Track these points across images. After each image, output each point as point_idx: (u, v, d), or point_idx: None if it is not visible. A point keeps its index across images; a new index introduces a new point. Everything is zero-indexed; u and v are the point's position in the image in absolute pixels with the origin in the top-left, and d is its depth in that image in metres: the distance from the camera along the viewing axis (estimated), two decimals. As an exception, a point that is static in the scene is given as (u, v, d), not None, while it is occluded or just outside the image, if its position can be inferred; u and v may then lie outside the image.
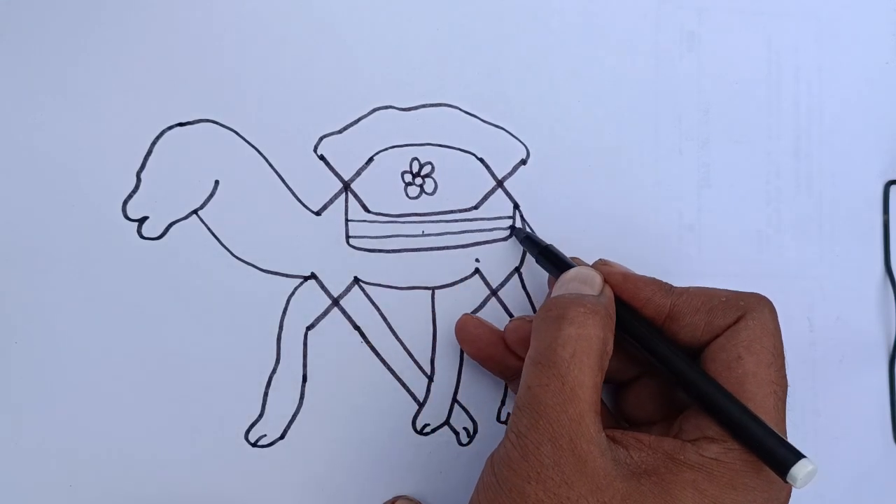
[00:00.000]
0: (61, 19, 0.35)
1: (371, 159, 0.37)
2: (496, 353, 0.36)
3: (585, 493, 0.27)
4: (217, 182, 0.36)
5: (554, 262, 0.35)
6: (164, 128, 0.36)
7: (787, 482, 0.27)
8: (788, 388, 0.40)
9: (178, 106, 0.36)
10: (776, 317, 0.31)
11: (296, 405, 0.36)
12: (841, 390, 0.41)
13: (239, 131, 0.36)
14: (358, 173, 0.37)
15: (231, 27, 0.36)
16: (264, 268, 0.36)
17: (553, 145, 0.39)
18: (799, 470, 0.27)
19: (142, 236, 0.35)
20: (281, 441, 0.36)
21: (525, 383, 0.29)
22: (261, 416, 0.36)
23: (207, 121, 0.36)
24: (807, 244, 0.41)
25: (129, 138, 0.35)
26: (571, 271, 0.33)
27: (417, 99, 0.38)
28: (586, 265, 0.34)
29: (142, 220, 0.35)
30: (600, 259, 0.35)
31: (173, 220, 0.35)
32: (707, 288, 0.32)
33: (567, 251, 0.38)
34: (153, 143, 0.36)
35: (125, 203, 0.35)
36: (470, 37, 0.38)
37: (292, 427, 0.36)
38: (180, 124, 0.36)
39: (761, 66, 0.41)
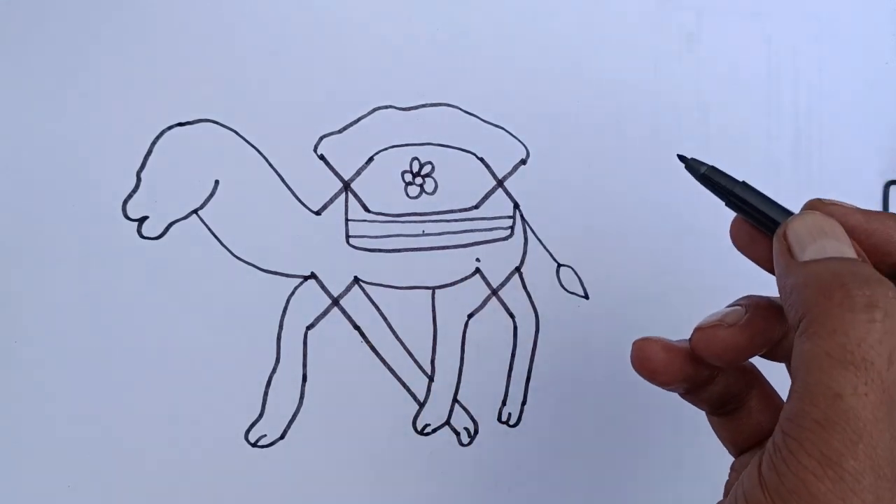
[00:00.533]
0: (61, 19, 0.35)
1: (371, 159, 0.37)
2: (680, 371, 0.29)
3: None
4: (217, 182, 0.36)
5: (757, 207, 0.28)
6: (164, 128, 0.36)
7: None
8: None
9: (178, 106, 0.36)
10: None
11: (296, 405, 0.36)
12: (841, 390, 0.41)
13: (239, 131, 0.36)
14: (358, 173, 0.37)
15: (231, 27, 0.36)
16: (264, 268, 0.36)
17: (553, 145, 0.39)
18: None
19: (142, 236, 0.35)
20: (281, 441, 0.36)
21: (831, 390, 0.22)
22: (261, 416, 0.36)
23: (207, 121, 0.36)
24: (807, 244, 0.41)
25: (129, 138, 0.35)
26: (800, 223, 0.25)
27: (417, 99, 0.38)
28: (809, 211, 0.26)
29: (142, 220, 0.35)
30: (817, 200, 0.27)
31: (173, 219, 0.35)
32: None
33: (567, 251, 0.38)
34: (153, 143, 0.36)
35: (125, 203, 0.35)
36: (470, 37, 0.38)
37: (292, 427, 0.36)
38: (180, 124, 0.36)
39: (761, 66, 0.41)
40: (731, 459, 0.39)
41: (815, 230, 0.25)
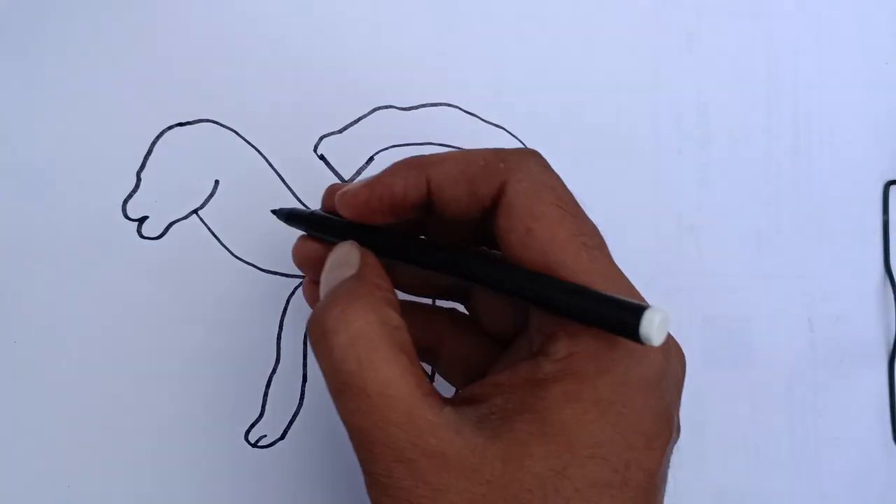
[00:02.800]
0: (61, 19, 0.35)
1: (371, 159, 0.37)
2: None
3: (464, 486, 0.23)
4: (217, 182, 0.36)
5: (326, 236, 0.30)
6: (164, 128, 0.36)
7: (643, 343, 0.22)
8: (788, 388, 0.40)
9: (178, 106, 0.36)
10: (545, 164, 0.26)
11: (296, 405, 0.36)
12: (841, 390, 0.41)
13: (239, 131, 0.36)
14: (358, 173, 0.37)
15: (231, 27, 0.36)
16: (264, 268, 0.36)
17: (553, 145, 0.39)
18: (647, 326, 0.22)
19: (142, 236, 0.35)
20: (281, 441, 0.36)
21: (342, 421, 0.25)
22: (261, 416, 0.36)
23: (207, 121, 0.36)
24: (806, 244, 0.41)
25: (129, 138, 0.35)
26: (327, 261, 0.28)
27: (417, 99, 0.38)
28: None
29: (142, 220, 0.35)
30: (337, 191, 0.28)
31: (173, 220, 0.35)
32: (468, 151, 0.27)
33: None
34: (153, 143, 0.36)
35: (125, 203, 0.35)
36: (470, 37, 0.38)
37: (292, 427, 0.36)
38: (180, 124, 0.36)
39: (761, 66, 0.41)
40: (733, 459, 0.39)
41: (329, 269, 0.27)
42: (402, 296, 0.29)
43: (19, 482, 0.34)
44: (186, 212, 0.36)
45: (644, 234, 0.40)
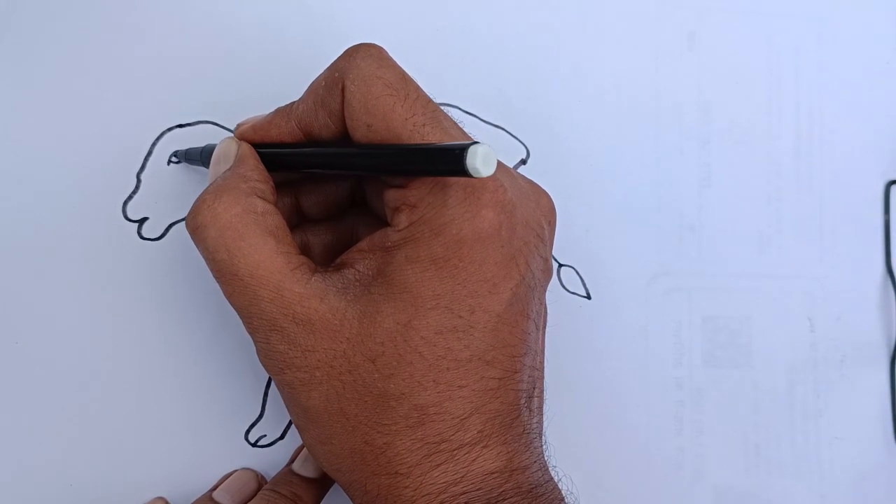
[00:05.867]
0: (61, 19, 0.35)
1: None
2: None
3: (329, 345, 0.27)
4: (217, 182, 0.36)
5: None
6: (164, 129, 0.36)
7: (473, 176, 0.24)
8: (788, 388, 0.40)
9: (178, 106, 0.36)
10: (375, 55, 0.28)
11: (296, 405, 0.36)
12: (842, 390, 0.41)
13: (239, 132, 0.36)
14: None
15: (231, 28, 0.36)
16: (264, 268, 0.36)
17: (553, 145, 0.39)
18: (472, 158, 0.23)
19: (142, 237, 0.35)
20: (281, 441, 0.36)
21: (227, 300, 0.28)
22: (261, 416, 0.36)
23: (207, 122, 0.36)
24: (807, 244, 0.41)
25: (129, 139, 0.35)
26: (213, 155, 0.31)
27: (417, 99, 0.38)
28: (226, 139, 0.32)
29: (142, 221, 0.35)
30: (238, 123, 0.32)
31: (173, 220, 0.36)
32: (313, 82, 0.29)
33: (567, 251, 0.38)
34: (153, 145, 0.36)
35: (125, 204, 0.35)
36: (470, 37, 0.38)
37: (292, 427, 0.36)
38: (180, 126, 0.36)
39: (761, 66, 0.41)
40: (733, 459, 0.39)
41: (213, 163, 0.31)
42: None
43: (21, 482, 0.34)
44: (186, 212, 0.36)
45: (644, 234, 0.40)
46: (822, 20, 0.41)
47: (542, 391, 0.31)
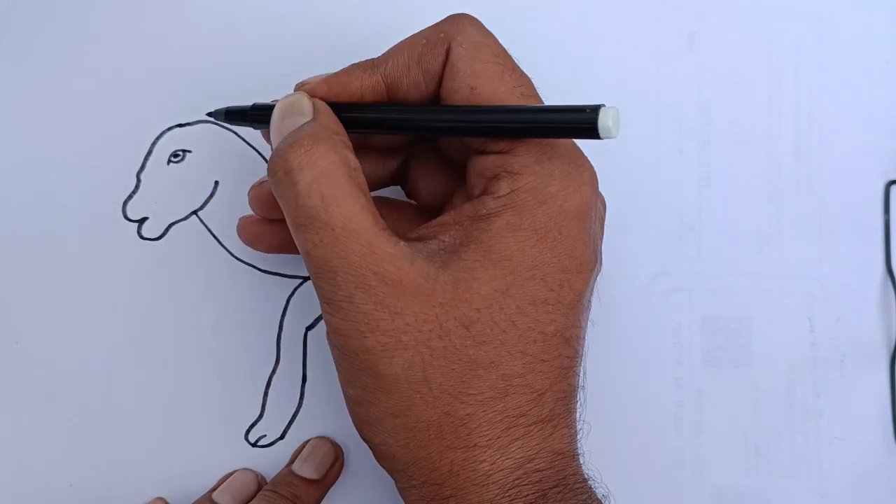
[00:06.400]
0: (61, 19, 0.35)
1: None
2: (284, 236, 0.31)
3: (419, 309, 0.26)
4: (217, 182, 0.36)
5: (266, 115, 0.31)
6: (164, 128, 0.36)
7: (602, 137, 0.25)
8: (788, 388, 0.40)
9: (178, 106, 0.36)
10: (480, 25, 0.29)
11: (296, 405, 0.36)
12: (842, 391, 0.41)
13: (239, 132, 0.36)
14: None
15: (231, 27, 0.37)
16: (264, 268, 0.36)
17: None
18: (605, 117, 0.24)
19: (142, 237, 0.35)
20: (281, 441, 0.36)
21: (303, 253, 0.27)
22: (261, 416, 0.36)
23: (207, 121, 0.36)
24: (807, 244, 0.41)
25: (129, 138, 0.35)
26: (275, 110, 0.29)
27: (417, 99, 0.38)
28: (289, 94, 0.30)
29: (142, 221, 0.35)
30: (298, 83, 0.31)
31: (173, 220, 0.36)
32: (409, 37, 0.29)
33: (567, 251, 0.38)
34: (153, 144, 0.36)
35: (125, 203, 0.35)
36: (470, 37, 0.38)
37: (292, 427, 0.36)
38: (180, 125, 0.36)
39: (761, 66, 0.41)
40: (733, 459, 0.39)
41: (280, 116, 0.29)
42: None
43: (21, 482, 0.34)
44: (186, 212, 0.36)
45: (644, 234, 0.40)
46: (822, 20, 0.41)
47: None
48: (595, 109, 0.24)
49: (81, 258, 0.35)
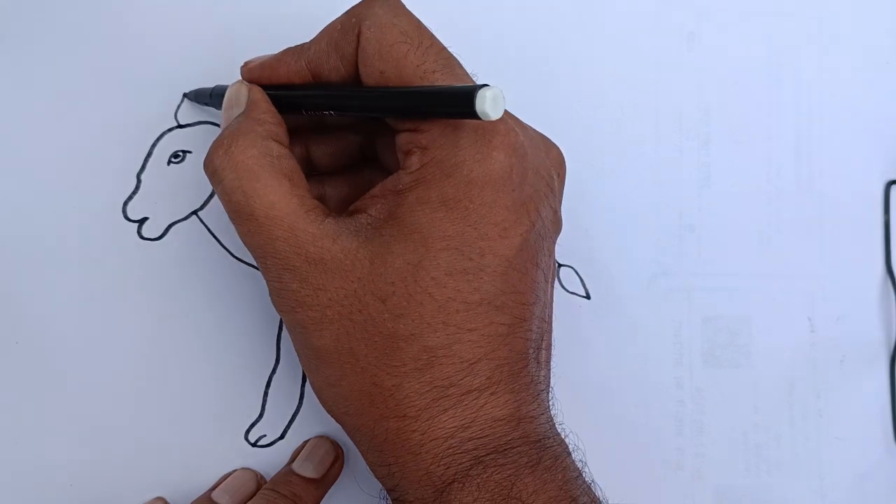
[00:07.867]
0: (61, 19, 0.35)
1: (370, 159, 0.37)
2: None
3: (339, 284, 0.27)
4: (217, 182, 0.36)
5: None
6: (164, 129, 0.36)
7: (481, 119, 0.25)
8: (788, 388, 0.40)
9: (178, 106, 0.36)
10: (391, 4, 0.29)
11: (296, 405, 0.36)
12: (842, 390, 0.41)
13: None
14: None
15: (231, 28, 0.37)
16: (264, 268, 0.36)
17: (553, 145, 0.39)
18: (481, 102, 0.24)
19: (142, 237, 0.35)
20: (281, 441, 0.36)
21: (242, 242, 0.29)
22: (261, 416, 0.36)
23: (207, 122, 0.36)
24: (807, 244, 0.41)
25: (129, 139, 0.35)
26: (224, 100, 0.31)
27: (417, 99, 0.38)
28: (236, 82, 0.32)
29: (142, 222, 0.35)
30: (244, 62, 0.32)
31: (173, 220, 0.36)
32: (328, 24, 0.30)
33: (567, 251, 0.38)
34: (153, 145, 0.36)
35: (125, 204, 0.35)
36: (469, 37, 0.38)
37: (292, 427, 0.36)
38: (180, 126, 0.36)
39: (761, 66, 0.41)
40: (733, 459, 0.39)
41: (224, 108, 0.31)
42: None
43: (21, 481, 0.34)
44: (186, 213, 0.36)
45: (644, 234, 0.40)
46: (822, 20, 0.41)
47: (550, 345, 0.31)
48: (473, 91, 0.24)
49: (81, 258, 0.35)
